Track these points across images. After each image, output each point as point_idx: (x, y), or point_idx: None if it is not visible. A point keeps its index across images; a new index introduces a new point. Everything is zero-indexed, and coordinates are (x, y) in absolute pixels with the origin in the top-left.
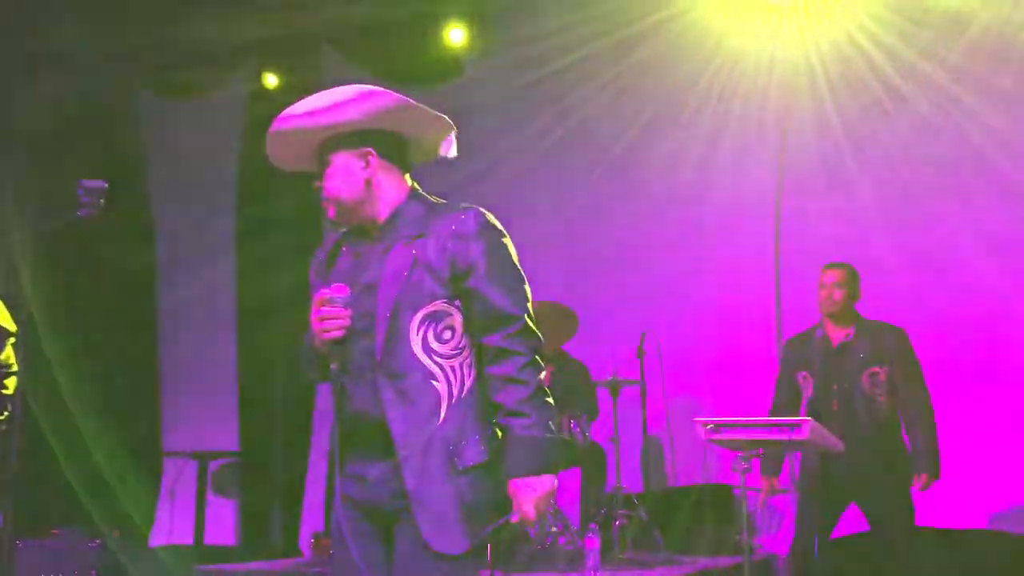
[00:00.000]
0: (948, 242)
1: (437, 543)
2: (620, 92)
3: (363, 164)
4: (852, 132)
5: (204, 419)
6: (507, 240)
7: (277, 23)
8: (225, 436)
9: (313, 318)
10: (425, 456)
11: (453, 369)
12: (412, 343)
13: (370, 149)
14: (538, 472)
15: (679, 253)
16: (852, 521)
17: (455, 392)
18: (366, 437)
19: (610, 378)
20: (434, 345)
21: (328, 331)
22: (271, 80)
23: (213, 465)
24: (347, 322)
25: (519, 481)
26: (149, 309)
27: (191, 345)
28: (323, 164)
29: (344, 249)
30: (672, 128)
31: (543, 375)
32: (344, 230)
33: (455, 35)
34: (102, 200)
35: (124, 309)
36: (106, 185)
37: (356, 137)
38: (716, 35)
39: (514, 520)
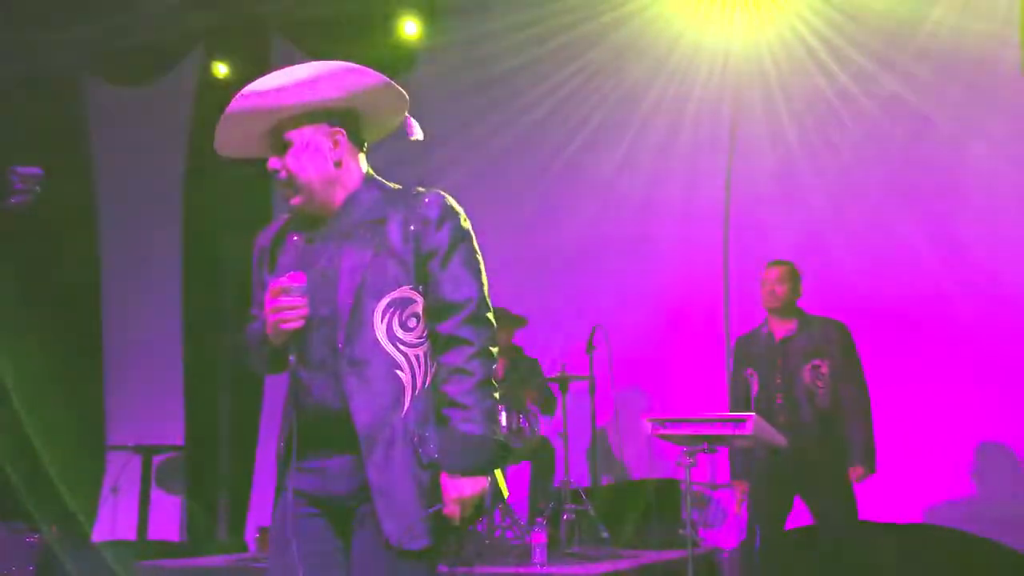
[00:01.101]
0: (896, 242)
1: (399, 539)
2: (574, 90)
3: (332, 144)
4: (803, 133)
5: (149, 412)
6: (468, 225)
7: (228, 12)
8: (170, 430)
9: (268, 308)
10: (389, 448)
11: (417, 358)
12: (376, 330)
13: (341, 129)
14: (470, 472)
15: (630, 250)
16: (796, 514)
17: (419, 382)
18: (326, 429)
19: (559, 373)
20: (399, 333)
21: (287, 321)
22: (221, 69)
23: (157, 459)
24: (306, 311)
25: (449, 478)
26: (93, 300)
27: (136, 337)
28: (282, 143)
29: (294, 236)
30: (625, 127)
31: (493, 366)
32: (290, 215)
33: (408, 28)
34: (37, 187)
35: (67, 300)
36: (41, 172)
37: (326, 115)
38: (670, 36)
39: (445, 511)
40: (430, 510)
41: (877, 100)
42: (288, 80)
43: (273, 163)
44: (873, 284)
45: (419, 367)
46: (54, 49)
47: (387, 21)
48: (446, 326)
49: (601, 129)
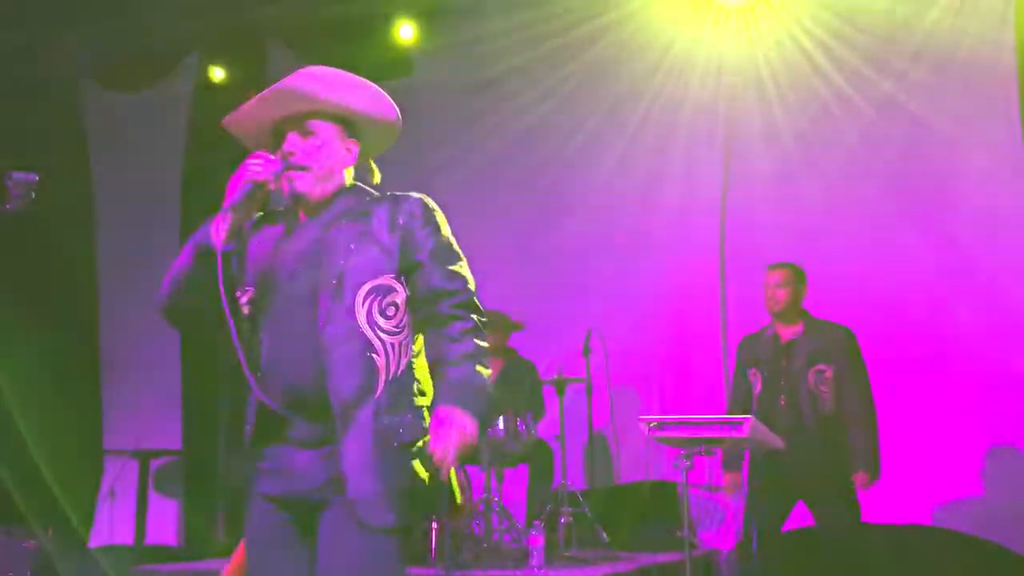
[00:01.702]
0: (895, 244)
1: (366, 516)
2: (570, 93)
3: (344, 150)
4: (799, 135)
5: (146, 417)
6: (448, 227)
7: (224, 17)
8: (168, 434)
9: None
10: (362, 427)
11: (393, 346)
12: (357, 313)
13: (355, 141)
14: (469, 409)
15: (626, 253)
16: (797, 516)
17: (392, 369)
18: (295, 407)
19: (556, 376)
20: (378, 319)
21: (253, 170)
22: (217, 74)
23: (155, 463)
24: (276, 167)
25: (445, 409)
26: (90, 304)
27: (133, 341)
28: (303, 130)
29: (266, 225)
30: (621, 129)
31: (487, 347)
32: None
33: (404, 32)
34: (33, 193)
35: (64, 304)
36: (37, 178)
37: (349, 125)
38: (665, 38)
39: (430, 448)
40: (413, 449)
41: (873, 102)
42: (347, 80)
43: (293, 143)
44: (872, 285)
45: (393, 355)
46: (51, 54)
47: (383, 25)
48: (443, 307)
49: (597, 131)
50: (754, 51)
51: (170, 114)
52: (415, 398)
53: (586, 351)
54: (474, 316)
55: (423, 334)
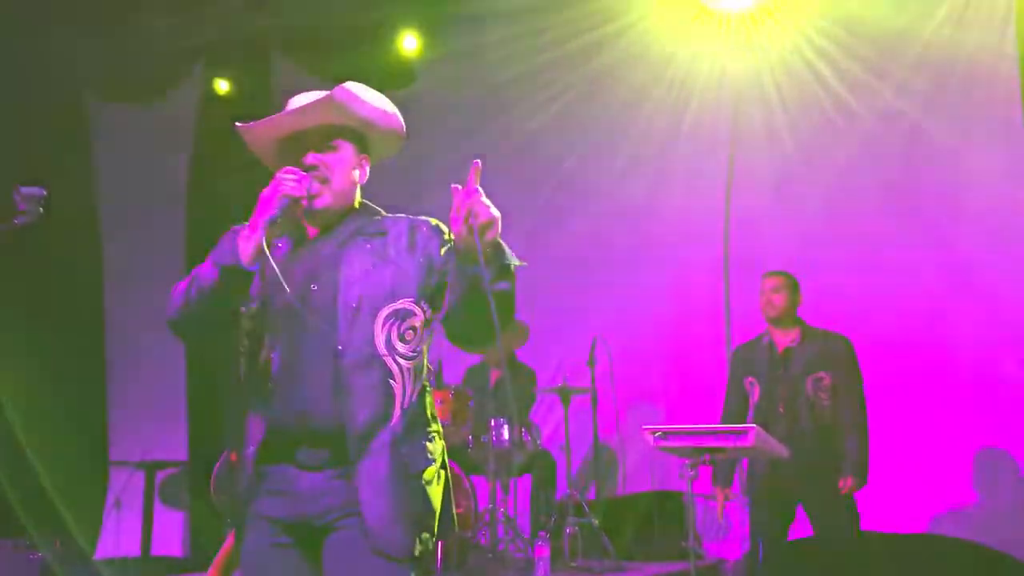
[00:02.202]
0: (896, 252)
1: (383, 545)
2: (573, 103)
3: (357, 166)
4: (801, 144)
5: (152, 428)
6: None
7: (228, 29)
8: (173, 445)
9: (273, 180)
10: (377, 457)
11: (409, 371)
12: (376, 339)
13: (367, 158)
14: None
15: (630, 263)
16: (798, 525)
17: (408, 395)
18: (307, 435)
19: (561, 386)
20: (397, 344)
21: (288, 184)
22: (222, 86)
23: (161, 475)
24: (307, 184)
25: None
26: (96, 316)
27: (139, 353)
28: (326, 146)
29: (278, 242)
30: (624, 139)
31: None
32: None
33: (408, 42)
34: (41, 208)
35: (70, 316)
36: (45, 192)
37: (363, 143)
38: (668, 47)
39: (467, 218)
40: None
41: (873, 111)
42: (376, 100)
43: (313, 158)
44: (872, 293)
45: (409, 380)
46: (57, 66)
47: (387, 36)
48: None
49: (600, 141)
50: (756, 60)
51: (175, 125)
52: (427, 425)
53: (591, 361)
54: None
55: (420, 363)
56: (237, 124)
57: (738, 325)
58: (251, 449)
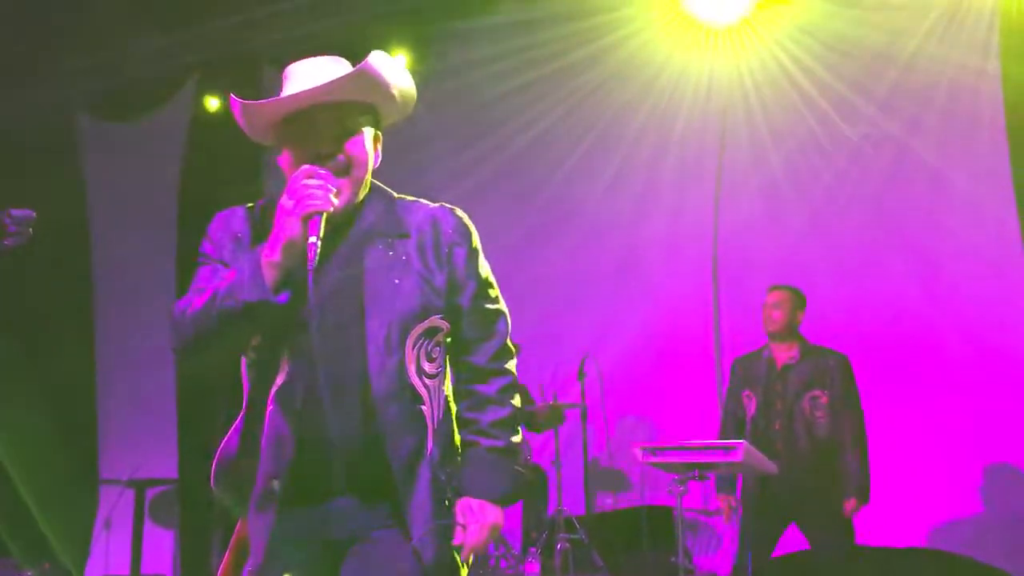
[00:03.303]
0: (883, 268)
1: (421, 550)
2: (561, 119)
3: (374, 148)
4: (787, 160)
5: (142, 445)
6: (480, 247)
7: (218, 46)
8: (164, 463)
9: (290, 194)
10: (420, 488)
11: (435, 390)
12: (408, 366)
13: (380, 136)
14: (497, 501)
15: (619, 278)
16: (792, 540)
17: (436, 415)
18: (335, 470)
19: (552, 401)
20: (425, 366)
21: (315, 199)
22: (212, 104)
23: (151, 493)
24: (336, 193)
25: (474, 502)
26: (86, 334)
27: (129, 370)
28: (346, 131)
29: None
30: (612, 154)
31: (519, 399)
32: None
33: (398, 60)
34: (30, 229)
35: (60, 334)
36: (34, 214)
37: (377, 120)
38: (655, 65)
39: (455, 542)
40: (443, 521)
41: (857, 127)
42: (403, 73)
43: (334, 146)
44: (861, 307)
45: (436, 399)
46: (47, 85)
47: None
48: (479, 358)
49: (588, 156)
50: (743, 77)
51: (166, 144)
52: (455, 442)
53: (581, 376)
54: (509, 365)
55: (456, 377)
56: (237, 99)
57: (727, 338)
58: (274, 482)
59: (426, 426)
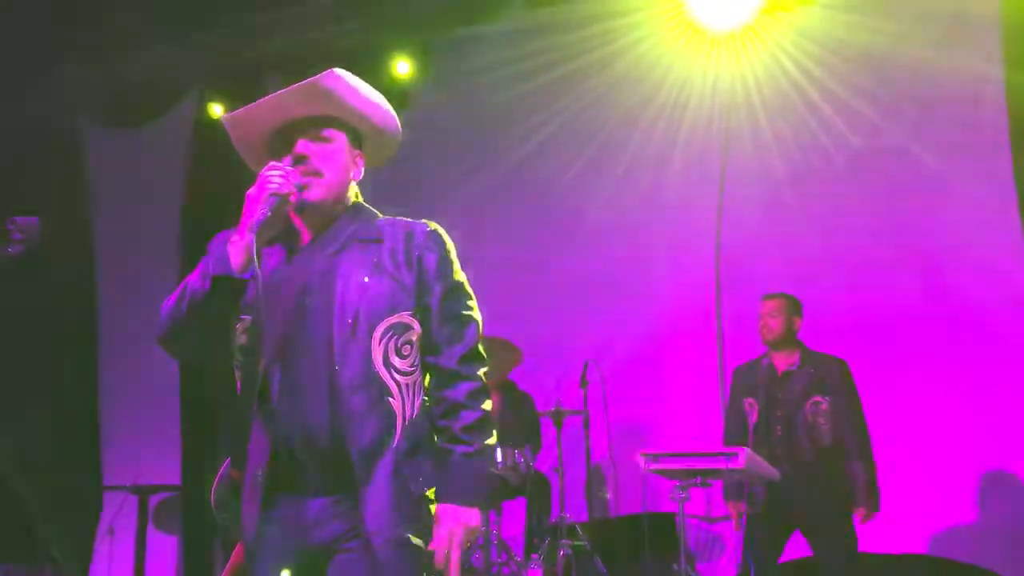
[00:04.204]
0: (885, 273)
1: (386, 564)
2: (565, 126)
3: (352, 162)
4: (791, 165)
5: (145, 452)
6: (458, 260)
7: (223, 53)
8: (167, 470)
9: (259, 177)
10: (381, 480)
11: (407, 387)
12: (374, 355)
13: (361, 154)
14: (470, 503)
15: (622, 284)
16: (795, 546)
17: (408, 412)
18: (311, 461)
19: (554, 408)
20: (394, 360)
21: (275, 183)
22: (217, 110)
23: (154, 499)
24: (298, 180)
25: (448, 507)
26: (89, 339)
27: (132, 376)
28: (317, 136)
29: (271, 251)
30: (616, 161)
31: (489, 403)
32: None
33: (401, 67)
34: (35, 237)
35: (63, 339)
36: (39, 221)
37: (357, 138)
38: (659, 71)
39: (430, 547)
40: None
41: (860, 133)
42: (369, 90)
43: (304, 147)
44: (863, 313)
45: (408, 397)
46: (52, 91)
47: (380, 60)
48: (447, 361)
49: (592, 163)
50: (746, 83)
51: (170, 151)
52: (429, 440)
53: (583, 383)
54: (480, 369)
55: (430, 383)
56: (222, 116)
57: (730, 345)
58: (258, 472)
59: (394, 418)
